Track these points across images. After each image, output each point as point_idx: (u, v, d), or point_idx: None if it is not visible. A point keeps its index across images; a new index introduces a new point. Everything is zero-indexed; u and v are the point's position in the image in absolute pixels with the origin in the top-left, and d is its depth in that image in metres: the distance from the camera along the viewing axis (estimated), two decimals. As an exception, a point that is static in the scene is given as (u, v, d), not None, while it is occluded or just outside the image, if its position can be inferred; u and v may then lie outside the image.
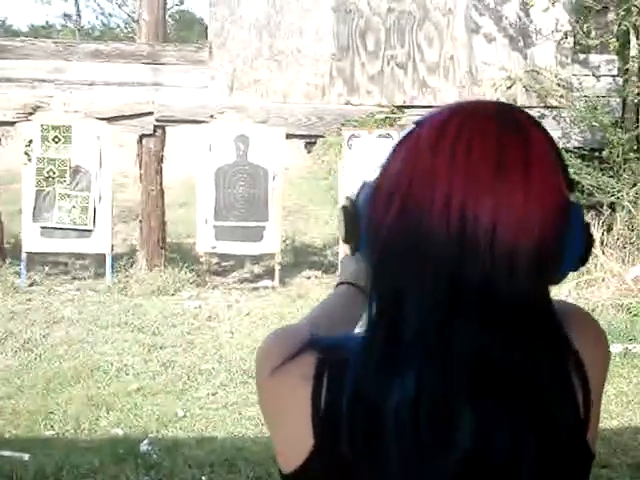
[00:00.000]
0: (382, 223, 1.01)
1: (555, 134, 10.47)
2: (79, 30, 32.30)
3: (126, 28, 30.99)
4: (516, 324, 0.96)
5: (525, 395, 0.96)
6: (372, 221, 1.03)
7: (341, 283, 1.55)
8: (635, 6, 9.90)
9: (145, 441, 5.39)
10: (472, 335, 0.95)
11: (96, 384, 6.54)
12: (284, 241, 11.53)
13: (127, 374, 6.84)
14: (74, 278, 10.41)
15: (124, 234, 12.87)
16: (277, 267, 10.20)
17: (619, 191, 10.12)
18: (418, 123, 1.03)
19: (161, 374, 6.87)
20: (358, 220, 1.07)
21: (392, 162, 1.03)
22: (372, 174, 1.06)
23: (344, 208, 1.11)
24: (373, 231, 1.03)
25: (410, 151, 1.01)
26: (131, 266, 10.41)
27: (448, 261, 0.95)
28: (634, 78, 10.52)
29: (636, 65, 10.47)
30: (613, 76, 10.63)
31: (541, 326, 0.98)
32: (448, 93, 10.43)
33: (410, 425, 0.95)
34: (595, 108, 10.27)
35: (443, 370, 0.95)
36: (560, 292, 8.33)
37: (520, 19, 10.39)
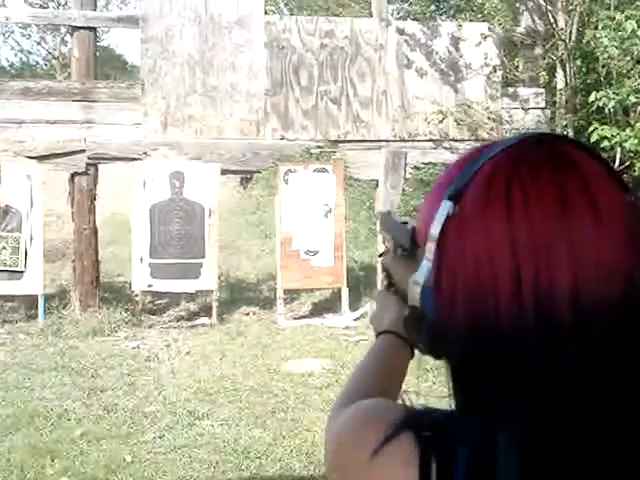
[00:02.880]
0: (450, 326, 0.93)
1: (487, 166, 10.63)
2: (-3, 68, 31.70)
3: (46, 65, 30.55)
4: (622, 398, 0.89)
5: None
6: (440, 326, 0.95)
7: (381, 333, 1.49)
8: (562, 40, 10.14)
9: (95, 489, 5.24)
10: (574, 436, 0.88)
11: (38, 431, 6.32)
12: (219, 277, 11.42)
13: (69, 419, 6.63)
14: (4, 321, 10.11)
15: (52, 274, 12.56)
16: (215, 304, 10.09)
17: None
18: (452, 197, 0.93)
19: (104, 418, 6.68)
20: (428, 328, 0.99)
21: (445, 252, 0.94)
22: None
23: (410, 320, 1.03)
24: (444, 336, 0.95)
25: (459, 234, 0.92)
26: (64, 307, 10.18)
27: (531, 353, 0.88)
28: (562, 110, 10.77)
29: (563, 98, 10.72)
30: (541, 108, 10.87)
31: None
32: (381, 127, 10.52)
33: None
34: (525, 140, 10.45)
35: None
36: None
37: (450, 53, 10.56)
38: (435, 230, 0.94)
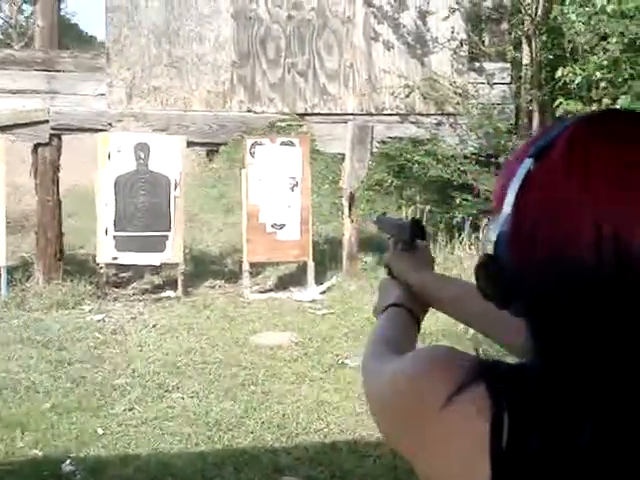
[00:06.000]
0: (529, 271, 0.96)
1: (452, 141, 10.69)
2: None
3: (2, 34, 29.98)
4: None
5: None
6: (518, 272, 0.98)
7: (390, 305, 1.52)
8: (528, 15, 10.18)
9: (67, 461, 5.22)
10: None
11: (6, 403, 6.28)
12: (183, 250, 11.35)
13: (37, 392, 6.58)
14: (-34, 293, 9.97)
15: (12, 246, 12.39)
16: (180, 277, 10.04)
17: (515, 196, 10.36)
18: (533, 155, 0.98)
19: (73, 391, 6.65)
20: (502, 274, 1.00)
21: (526, 203, 0.98)
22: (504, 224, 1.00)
23: (484, 266, 1.03)
24: (521, 282, 0.97)
25: (541, 186, 0.97)
26: (27, 279, 10.06)
27: (608, 299, 0.91)
28: (527, 85, 10.83)
29: (529, 73, 10.78)
30: (507, 84, 10.90)
31: None
32: (348, 101, 10.50)
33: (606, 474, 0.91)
34: (490, 115, 10.50)
35: (620, 421, 0.91)
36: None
37: (417, 27, 10.53)
38: (515, 184, 0.99)
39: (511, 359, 1.07)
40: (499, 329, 1.36)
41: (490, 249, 1.02)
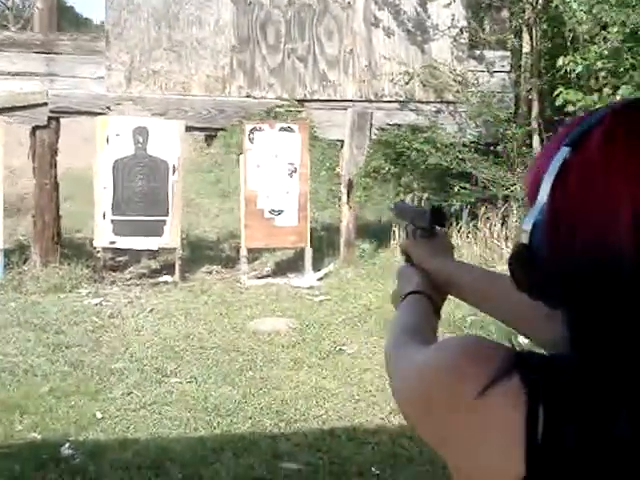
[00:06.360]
0: (566, 260, 0.95)
1: (451, 129, 10.67)
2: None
3: (-2, 16, 29.86)
4: None
5: None
6: (554, 261, 0.97)
7: (410, 293, 1.52)
8: (529, 3, 10.15)
9: (66, 445, 5.21)
10: None
11: (4, 387, 6.27)
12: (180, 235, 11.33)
13: (35, 375, 6.57)
14: (-37, 276, 9.95)
15: (9, 229, 12.36)
16: (178, 262, 10.02)
17: (513, 184, 10.39)
18: (569, 144, 0.97)
19: (71, 374, 6.64)
20: (537, 264, 0.99)
21: (563, 193, 0.96)
22: (540, 215, 0.99)
23: (518, 255, 1.02)
24: (557, 271, 0.97)
25: (578, 176, 0.95)
26: (24, 262, 10.05)
27: None
28: (527, 74, 10.81)
29: (529, 61, 10.76)
30: (507, 72, 10.88)
31: None
32: (348, 87, 10.47)
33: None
34: (490, 104, 10.49)
35: None
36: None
37: (418, 14, 10.50)
38: (552, 173, 0.98)
39: (538, 350, 1.06)
40: (524, 319, 1.35)
41: (525, 238, 1.01)
